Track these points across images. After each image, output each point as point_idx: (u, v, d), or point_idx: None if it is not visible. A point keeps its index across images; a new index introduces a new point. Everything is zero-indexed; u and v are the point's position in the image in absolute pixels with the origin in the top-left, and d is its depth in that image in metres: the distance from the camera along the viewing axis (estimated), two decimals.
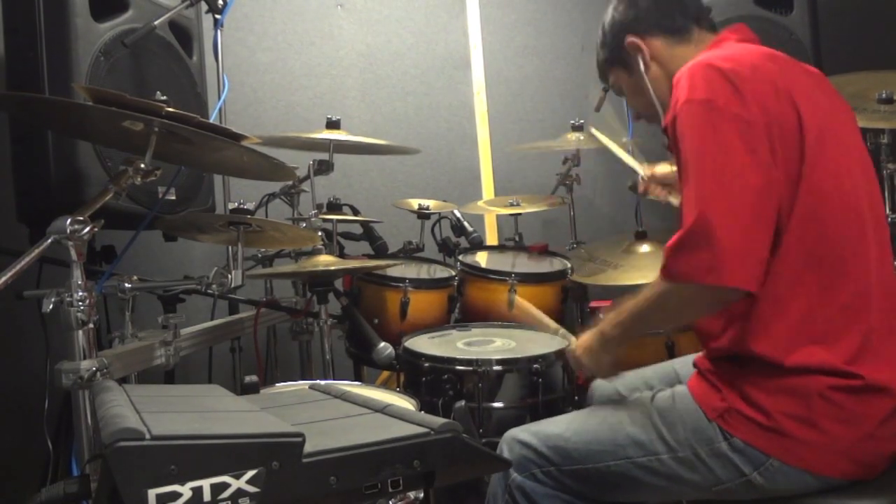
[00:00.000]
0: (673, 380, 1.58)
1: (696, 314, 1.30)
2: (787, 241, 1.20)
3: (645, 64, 1.46)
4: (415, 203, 2.72)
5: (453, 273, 2.46)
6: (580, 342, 1.47)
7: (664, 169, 1.87)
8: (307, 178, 2.25)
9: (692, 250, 1.17)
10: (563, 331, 1.65)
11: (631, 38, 1.46)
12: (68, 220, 1.31)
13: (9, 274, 1.24)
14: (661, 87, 1.45)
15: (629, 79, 1.51)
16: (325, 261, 2.04)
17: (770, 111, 1.20)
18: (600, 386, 1.70)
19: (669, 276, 1.21)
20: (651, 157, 1.98)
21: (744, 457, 1.21)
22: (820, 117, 1.25)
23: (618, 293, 2.42)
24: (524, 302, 1.87)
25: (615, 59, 1.51)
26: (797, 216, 1.20)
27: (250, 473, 0.78)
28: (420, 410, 1.46)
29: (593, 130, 2.07)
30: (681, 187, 1.25)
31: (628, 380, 1.65)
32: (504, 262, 2.66)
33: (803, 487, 1.20)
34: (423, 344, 2.05)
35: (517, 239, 2.92)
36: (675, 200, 1.84)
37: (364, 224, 2.62)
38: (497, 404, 1.87)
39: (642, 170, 1.89)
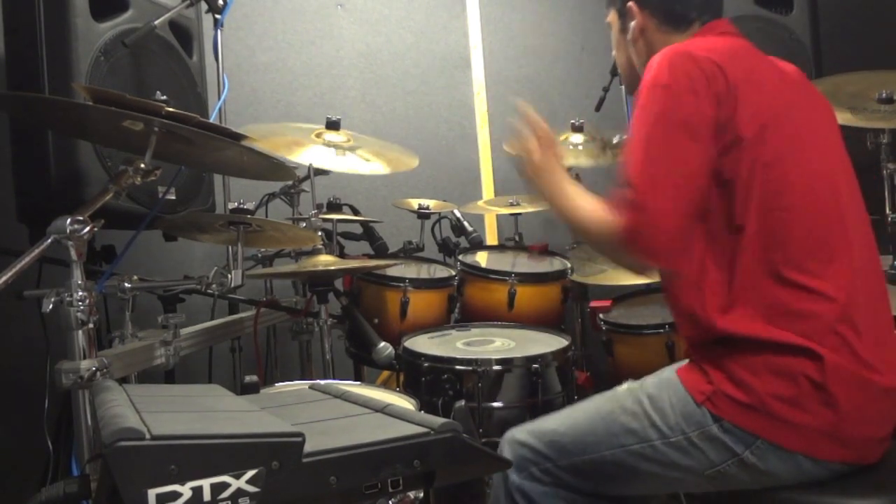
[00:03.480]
0: None
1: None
2: (749, 231, 1.22)
3: (633, 34, 1.47)
4: (415, 203, 2.72)
5: (453, 273, 2.46)
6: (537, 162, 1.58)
7: None
8: (307, 178, 2.25)
9: (633, 242, 1.22)
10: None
11: (631, 3, 1.46)
12: (68, 220, 1.31)
13: (9, 274, 1.24)
14: (640, 61, 1.47)
15: (619, 31, 1.52)
16: (325, 261, 2.04)
17: (727, 102, 1.21)
18: None
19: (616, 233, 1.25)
20: None
21: (734, 437, 1.22)
22: (785, 110, 1.27)
23: (618, 293, 2.45)
24: None
25: (616, 3, 1.52)
26: (757, 207, 1.22)
27: (250, 473, 0.78)
28: (420, 410, 1.46)
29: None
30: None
31: None
32: (504, 262, 2.66)
33: (796, 470, 1.20)
34: (422, 344, 2.05)
35: (517, 239, 2.92)
36: None
37: (364, 224, 2.62)
38: (497, 404, 1.87)
39: None
